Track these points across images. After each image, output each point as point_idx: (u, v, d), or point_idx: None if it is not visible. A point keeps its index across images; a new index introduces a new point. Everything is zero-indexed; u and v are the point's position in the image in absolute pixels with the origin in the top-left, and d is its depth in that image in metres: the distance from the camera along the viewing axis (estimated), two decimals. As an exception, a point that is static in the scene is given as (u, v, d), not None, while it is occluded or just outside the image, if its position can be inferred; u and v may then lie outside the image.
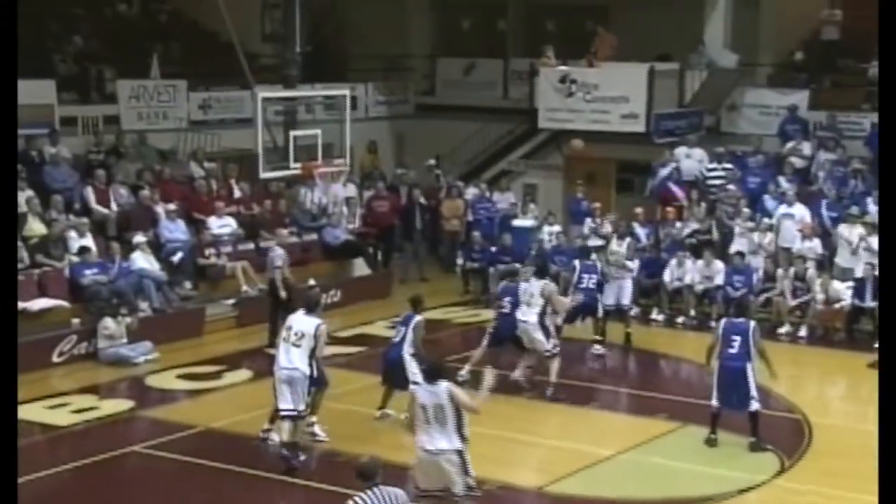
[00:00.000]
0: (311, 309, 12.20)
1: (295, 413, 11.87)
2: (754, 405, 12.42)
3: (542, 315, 14.35)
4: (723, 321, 13.03)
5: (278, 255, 17.00)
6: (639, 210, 20.29)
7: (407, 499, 7.91)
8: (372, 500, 7.75)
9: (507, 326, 14.68)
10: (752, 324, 12.64)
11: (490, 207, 22.30)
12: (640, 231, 19.96)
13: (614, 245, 17.54)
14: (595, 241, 20.07)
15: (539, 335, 14.31)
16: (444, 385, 9.47)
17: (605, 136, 22.66)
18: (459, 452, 9.42)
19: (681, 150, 22.23)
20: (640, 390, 14.97)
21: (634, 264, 17.84)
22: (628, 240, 17.80)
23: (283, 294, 16.61)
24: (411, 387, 10.07)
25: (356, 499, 7.79)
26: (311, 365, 11.95)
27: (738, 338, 12.38)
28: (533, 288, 14.48)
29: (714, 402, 12.63)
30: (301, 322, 12.00)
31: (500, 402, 14.14)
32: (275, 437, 12.19)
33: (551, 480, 11.68)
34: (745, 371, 12.32)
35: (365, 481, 7.86)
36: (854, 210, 19.16)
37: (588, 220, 20.82)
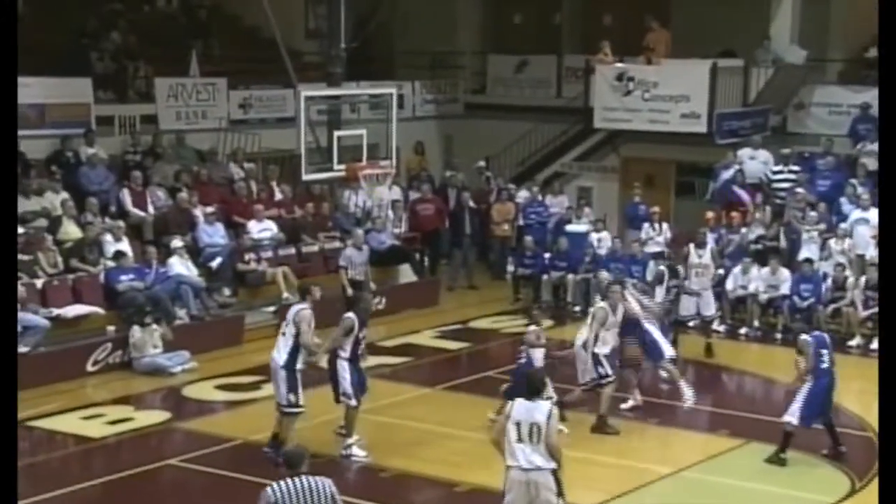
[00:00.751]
0: (302, 297, 12.77)
1: (279, 404, 12.22)
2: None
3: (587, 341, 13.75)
4: (810, 338, 12.84)
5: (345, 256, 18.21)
6: (710, 215, 20.16)
7: (334, 490, 7.90)
8: (290, 489, 7.78)
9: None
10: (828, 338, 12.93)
11: (542, 211, 22.23)
12: (710, 237, 19.88)
13: (694, 256, 17.19)
14: (653, 248, 19.96)
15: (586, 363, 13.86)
16: (545, 404, 9.54)
17: (665, 137, 22.53)
18: (554, 472, 9.41)
19: (745, 152, 22.02)
20: (701, 405, 14.81)
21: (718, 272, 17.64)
22: (710, 246, 17.47)
23: (349, 292, 17.43)
24: (511, 402, 9.75)
25: (274, 485, 7.86)
26: (290, 353, 12.15)
27: (825, 351, 12.70)
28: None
29: (793, 420, 12.54)
30: (291, 310, 12.46)
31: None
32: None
33: (607, 499, 11.60)
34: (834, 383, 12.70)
35: (290, 469, 7.93)
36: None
37: (646, 226, 20.69)
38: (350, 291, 17.42)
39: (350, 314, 12.74)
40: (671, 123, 22.27)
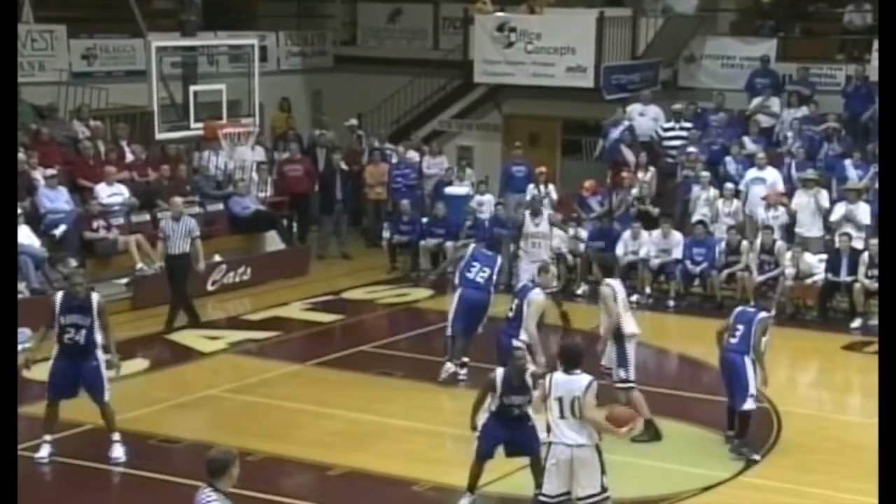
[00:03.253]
0: None
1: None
2: (749, 404, 12.23)
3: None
4: (738, 307, 12.89)
5: (161, 228, 17.25)
6: (588, 183, 20.46)
7: None
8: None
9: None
10: (761, 315, 12.46)
11: (409, 173, 22.08)
12: (592, 200, 20.15)
13: (530, 225, 17.17)
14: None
15: None
16: (585, 377, 9.71)
17: (550, 92, 22.68)
18: (598, 447, 9.75)
19: (634, 108, 22.32)
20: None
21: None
22: (548, 213, 17.59)
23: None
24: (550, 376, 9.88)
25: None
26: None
27: (741, 327, 12.33)
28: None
29: (751, 402, 12.32)
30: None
31: (427, 392, 14.20)
32: None
33: (494, 479, 11.63)
34: (743, 364, 12.23)
35: (209, 477, 7.30)
36: (811, 173, 19.39)
37: (530, 188, 20.80)
38: (158, 265, 17.05)
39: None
40: (556, 77, 22.42)
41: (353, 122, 23.64)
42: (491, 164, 23.27)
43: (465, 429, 13.10)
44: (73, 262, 17.73)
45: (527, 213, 17.42)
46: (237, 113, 20.61)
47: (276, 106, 23.99)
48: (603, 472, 9.79)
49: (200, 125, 19.88)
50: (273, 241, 20.75)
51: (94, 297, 12.04)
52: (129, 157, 20.14)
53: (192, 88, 19.95)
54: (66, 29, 21.44)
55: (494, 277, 14.55)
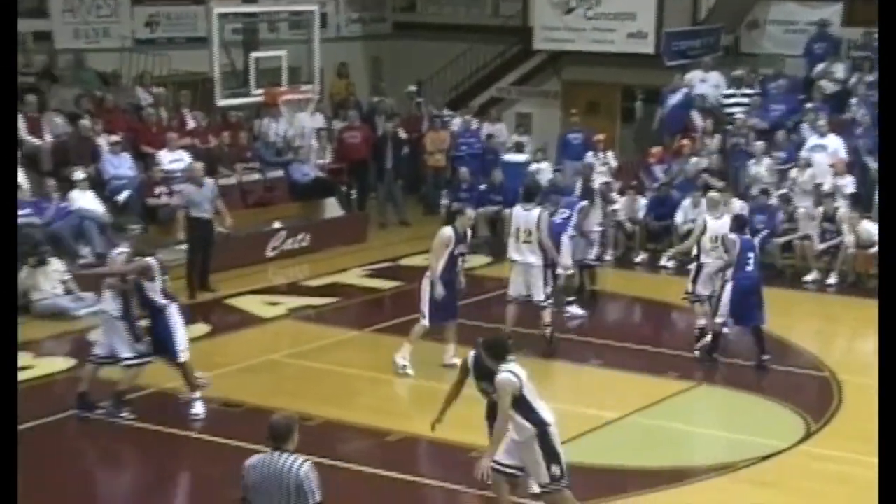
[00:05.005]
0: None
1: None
2: (765, 318, 13.78)
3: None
4: (738, 238, 13.91)
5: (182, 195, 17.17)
6: (655, 150, 20.38)
7: (304, 478, 7.20)
8: (256, 465, 7.27)
9: None
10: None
11: (474, 142, 22.06)
12: (658, 168, 20.04)
13: None
14: (598, 179, 19.99)
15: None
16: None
17: (609, 59, 22.54)
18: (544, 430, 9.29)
19: (695, 75, 22.09)
20: (648, 346, 14.95)
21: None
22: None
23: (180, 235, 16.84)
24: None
25: (254, 457, 7.37)
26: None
27: (752, 254, 13.80)
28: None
29: (720, 320, 13.83)
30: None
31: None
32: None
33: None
34: (760, 285, 13.86)
35: (270, 441, 7.35)
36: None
37: (589, 155, 20.70)
38: (181, 235, 16.80)
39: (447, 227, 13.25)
40: (616, 44, 22.28)
41: (413, 88, 23.61)
42: (550, 132, 23.18)
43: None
44: (136, 228, 17.92)
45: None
46: (297, 80, 20.68)
47: (335, 73, 24.01)
48: (553, 461, 9.30)
49: (261, 92, 19.97)
50: (332, 208, 20.83)
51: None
52: (191, 124, 20.29)
53: (253, 55, 20.03)
54: (131, -5, 21.63)
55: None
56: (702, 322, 14.54)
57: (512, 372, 9.19)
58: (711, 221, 14.62)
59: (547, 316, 14.43)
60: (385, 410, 12.68)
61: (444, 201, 21.11)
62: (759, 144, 19.72)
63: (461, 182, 20.76)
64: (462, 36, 24.83)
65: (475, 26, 25.13)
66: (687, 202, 19.03)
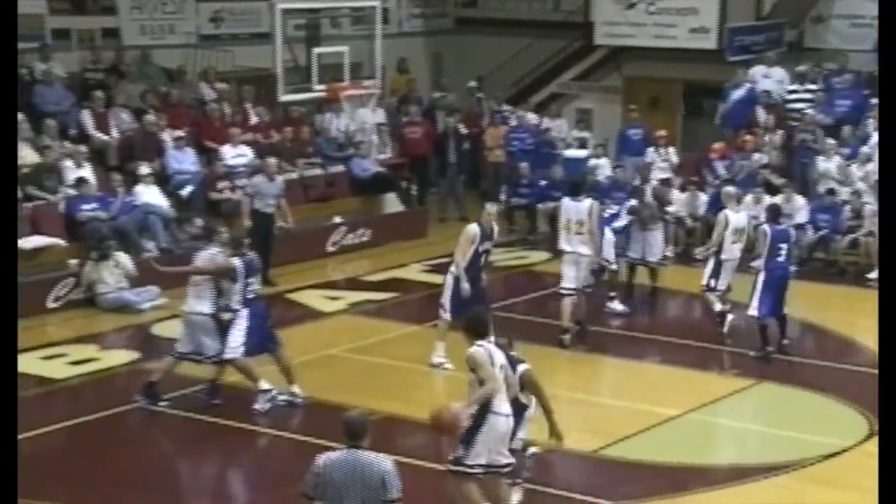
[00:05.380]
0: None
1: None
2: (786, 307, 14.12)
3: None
4: (768, 228, 14.06)
5: (253, 184, 17.24)
6: (717, 146, 20.19)
7: (388, 474, 7.23)
8: (339, 462, 7.24)
9: None
10: (792, 230, 14.53)
11: (526, 138, 21.88)
12: (719, 164, 19.86)
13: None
14: (658, 174, 19.87)
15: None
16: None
17: (671, 54, 22.38)
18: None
19: (758, 70, 21.86)
20: (708, 343, 14.83)
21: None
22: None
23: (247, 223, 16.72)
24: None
25: (327, 455, 7.34)
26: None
27: (784, 245, 13.88)
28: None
29: (755, 312, 13.95)
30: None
31: (543, 356, 14.19)
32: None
33: (607, 443, 11.61)
34: (789, 278, 14.07)
35: (347, 439, 7.36)
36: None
37: (650, 151, 20.58)
38: (248, 222, 16.72)
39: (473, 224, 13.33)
40: (678, 39, 22.11)
41: (473, 84, 23.59)
42: (610, 127, 23.04)
43: (581, 392, 13.21)
44: (199, 223, 18.09)
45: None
46: (359, 75, 20.72)
47: (396, 68, 24.04)
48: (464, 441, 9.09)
49: (323, 87, 20.04)
50: (392, 203, 20.87)
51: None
52: (254, 119, 20.41)
53: (316, 51, 20.09)
54: (196, -8, 21.79)
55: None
56: (719, 307, 14.79)
57: (483, 347, 9.05)
58: (732, 215, 14.84)
59: (571, 303, 14.43)
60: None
61: (503, 197, 21.07)
62: (831, 141, 19.49)
63: (520, 178, 20.71)
64: (523, 31, 24.76)
65: (536, 22, 25.05)
66: (748, 198, 18.84)
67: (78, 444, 11.85)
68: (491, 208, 13.92)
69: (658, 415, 12.37)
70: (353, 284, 17.53)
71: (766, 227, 14.25)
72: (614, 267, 15.53)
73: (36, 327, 15.14)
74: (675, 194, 19.27)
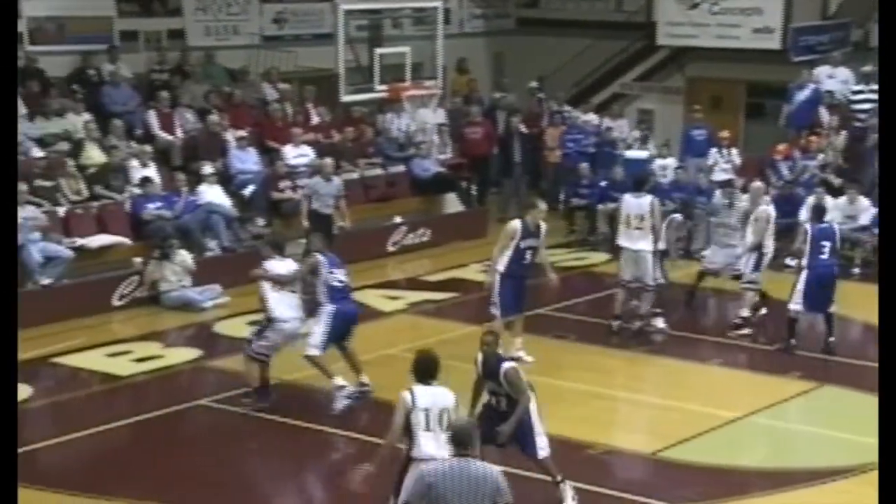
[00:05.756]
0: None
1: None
2: (834, 306, 14.11)
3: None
4: (810, 226, 14.26)
5: (310, 184, 17.39)
6: (781, 147, 19.99)
7: (502, 482, 7.12)
8: (450, 472, 7.05)
9: None
10: (836, 227, 14.45)
11: (581, 139, 21.78)
12: (783, 164, 19.67)
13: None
14: (720, 176, 19.72)
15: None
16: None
17: (735, 55, 22.19)
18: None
19: (822, 70, 21.60)
20: (769, 345, 14.69)
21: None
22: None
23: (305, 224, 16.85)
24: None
25: (434, 465, 7.25)
26: None
27: (827, 243, 13.95)
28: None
29: (795, 307, 14.10)
30: None
31: (602, 357, 14.14)
32: None
33: (666, 445, 11.54)
34: (835, 276, 14.06)
35: (455, 448, 7.24)
36: None
37: (713, 151, 20.41)
38: (306, 223, 16.82)
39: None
40: (742, 39, 21.92)
41: (534, 84, 23.54)
42: (672, 128, 22.90)
43: (640, 393, 13.14)
44: (261, 222, 18.24)
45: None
46: (420, 75, 20.76)
47: (456, 68, 24.07)
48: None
49: (385, 87, 20.10)
50: (453, 203, 20.89)
51: None
52: (315, 120, 20.53)
53: (378, 51, 20.17)
54: (260, -7, 21.96)
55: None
56: (745, 313, 14.87)
57: (409, 392, 8.74)
58: (771, 210, 15.20)
59: (648, 301, 14.39)
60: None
61: (563, 197, 21.02)
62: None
63: (580, 178, 20.63)
64: (585, 32, 24.66)
65: (598, 22, 24.94)
66: (811, 199, 18.62)
67: (141, 441, 11.99)
68: (541, 206, 13.83)
69: (719, 417, 12.28)
70: (413, 284, 17.57)
71: (807, 225, 14.39)
72: (662, 281, 15.20)
73: (101, 325, 15.36)
74: (738, 195, 19.08)
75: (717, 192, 18.71)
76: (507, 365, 9.89)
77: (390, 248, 19.13)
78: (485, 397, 10.16)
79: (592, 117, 22.52)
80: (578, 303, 16.42)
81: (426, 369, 8.93)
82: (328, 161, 17.59)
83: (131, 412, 12.56)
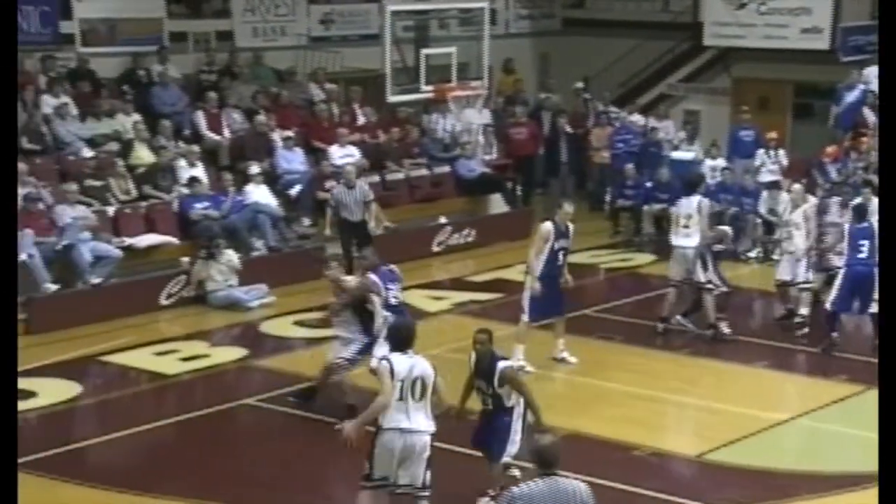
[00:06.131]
0: None
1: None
2: (875, 306, 13.65)
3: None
4: (848, 225, 14.28)
5: (333, 195, 17.03)
6: (830, 149, 19.82)
7: (589, 491, 7.06)
8: (538, 491, 6.93)
9: None
10: (876, 227, 13.79)
11: (630, 139, 21.71)
12: (832, 167, 19.48)
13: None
14: (767, 177, 19.58)
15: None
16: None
17: (782, 55, 22.01)
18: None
19: (872, 71, 21.33)
20: (815, 348, 14.55)
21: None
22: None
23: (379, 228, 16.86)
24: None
25: (521, 486, 7.08)
26: None
27: (866, 241, 13.80)
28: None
29: (831, 306, 14.11)
30: None
31: (648, 358, 14.07)
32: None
33: (712, 447, 11.47)
34: (874, 275, 13.53)
35: (541, 467, 7.08)
36: None
37: (760, 152, 20.26)
38: (328, 231, 16.74)
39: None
40: (790, 39, 21.74)
41: (580, 85, 23.48)
42: (718, 129, 22.75)
43: (686, 395, 13.06)
44: (307, 222, 18.31)
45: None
46: (466, 76, 20.76)
47: (502, 69, 24.04)
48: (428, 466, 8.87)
49: (430, 88, 20.11)
50: (498, 204, 20.87)
51: None
52: (361, 120, 20.58)
53: (424, 52, 20.18)
54: (308, -6, 22.05)
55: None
56: (805, 311, 14.94)
57: (387, 360, 8.86)
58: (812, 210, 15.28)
59: (709, 300, 14.35)
60: (544, 406, 12.62)
61: (608, 198, 20.94)
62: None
63: (626, 179, 20.55)
64: (631, 32, 24.56)
65: (644, 22, 24.83)
66: (857, 201, 18.42)
67: (187, 440, 12.07)
68: (568, 207, 13.73)
69: (764, 419, 12.19)
70: (458, 284, 17.56)
71: (845, 224, 14.48)
72: (724, 289, 15.03)
73: (149, 324, 15.47)
74: (784, 197, 18.93)
75: (764, 193, 18.63)
76: (502, 364, 9.84)
77: (435, 249, 19.14)
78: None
79: (638, 118, 22.43)
80: (624, 304, 16.36)
81: (404, 338, 8.98)
82: (350, 168, 17.29)
83: (178, 411, 12.66)
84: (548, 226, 13.44)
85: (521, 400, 9.89)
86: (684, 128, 22.24)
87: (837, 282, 14.18)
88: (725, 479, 10.95)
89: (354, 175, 17.06)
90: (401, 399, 8.77)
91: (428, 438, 8.87)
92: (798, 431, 12.14)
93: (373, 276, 11.98)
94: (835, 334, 14.28)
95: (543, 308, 13.47)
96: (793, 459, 11.45)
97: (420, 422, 8.83)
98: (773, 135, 20.33)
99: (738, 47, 22.72)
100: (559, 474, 7.02)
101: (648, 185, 20.21)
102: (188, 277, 16.26)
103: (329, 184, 18.62)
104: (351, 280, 12.08)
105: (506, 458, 9.83)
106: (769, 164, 20.07)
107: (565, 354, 13.67)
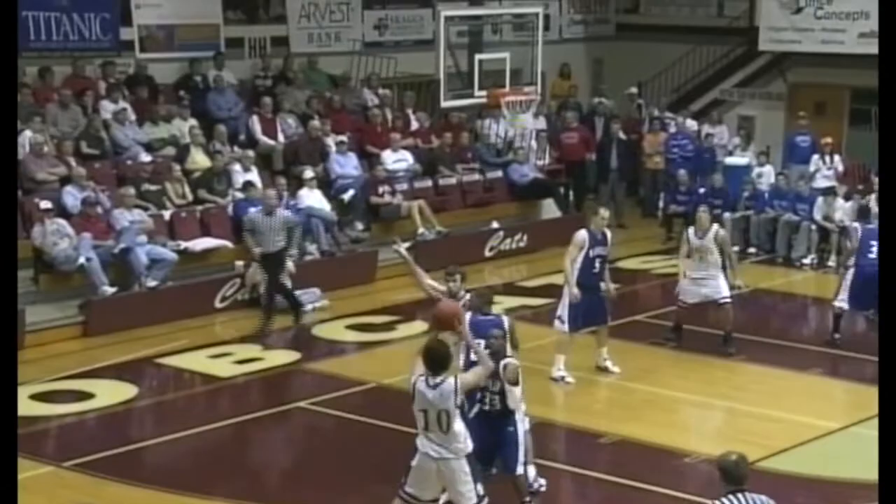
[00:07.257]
0: None
1: None
2: None
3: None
4: (859, 226, 14.48)
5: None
6: None
7: None
8: None
9: None
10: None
11: (686, 144, 21.59)
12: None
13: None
14: (822, 183, 19.40)
15: None
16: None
17: (839, 60, 21.76)
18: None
19: (929, 76, 21.10)
20: (871, 355, 14.37)
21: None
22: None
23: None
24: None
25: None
26: None
27: (875, 242, 13.79)
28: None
29: (839, 304, 14.36)
30: None
31: (699, 363, 13.98)
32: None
33: (764, 455, 11.37)
34: None
35: (730, 483, 7.31)
36: None
37: (815, 158, 20.07)
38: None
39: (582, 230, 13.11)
40: (847, 44, 21.50)
41: (633, 90, 23.40)
42: (773, 135, 22.57)
43: (738, 402, 12.96)
44: (360, 226, 18.37)
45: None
46: (519, 81, 20.75)
47: (556, 74, 24.01)
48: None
49: (484, 93, 20.11)
50: (549, 209, 20.84)
51: None
52: (414, 125, 20.63)
53: (478, 57, 20.17)
54: (362, 1, 22.04)
55: None
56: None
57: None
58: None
59: (729, 313, 14.23)
60: (595, 412, 12.61)
61: (661, 204, 20.83)
62: None
63: (679, 185, 20.44)
64: (685, 37, 24.40)
65: (699, 27, 24.67)
66: (863, 202, 18.22)
67: (241, 442, 12.16)
68: (604, 213, 13.57)
69: (818, 427, 12.08)
70: (510, 289, 17.52)
71: (856, 224, 14.68)
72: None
73: (204, 326, 15.60)
74: (840, 203, 18.78)
75: (819, 200, 18.46)
76: (505, 360, 9.74)
77: (487, 254, 19.14)
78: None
79: (692, 123, 22.31)
80: (675, 310, 16.24)
81: (439, 360, 8.74)
82: (270, 192, 15.90)
83: (231, 413, 12.74)
84: (582, 233, 13.24)
85: (523, 406, 9.86)
86: (738, 133, 22.07)
87: (847, 282, 14.35)
88: (780, 488, 10.79)
89: (273, 201, 15.60)
90: (427, 429, 8.71)
91: (463, 460, 8.77)
92: (852, 440, 11.98)
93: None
94: (837, 335, 14.48)
95: (584, 317, 13.33)
96: (846, 468, 11.30)
97: (447, 450, 8.74)
98: (827, 140, 20.13)
99: (793, 52, 22.50)
100: (747, 490, 7.19)
101: (702, 190, 20.09)
102: (242, 280, 16.37)
103: (382, 188, 18.68)
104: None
105: (520, 469, 9.74)
106: (824, 171, 19.88)
107: (608, 363, 13.57)
